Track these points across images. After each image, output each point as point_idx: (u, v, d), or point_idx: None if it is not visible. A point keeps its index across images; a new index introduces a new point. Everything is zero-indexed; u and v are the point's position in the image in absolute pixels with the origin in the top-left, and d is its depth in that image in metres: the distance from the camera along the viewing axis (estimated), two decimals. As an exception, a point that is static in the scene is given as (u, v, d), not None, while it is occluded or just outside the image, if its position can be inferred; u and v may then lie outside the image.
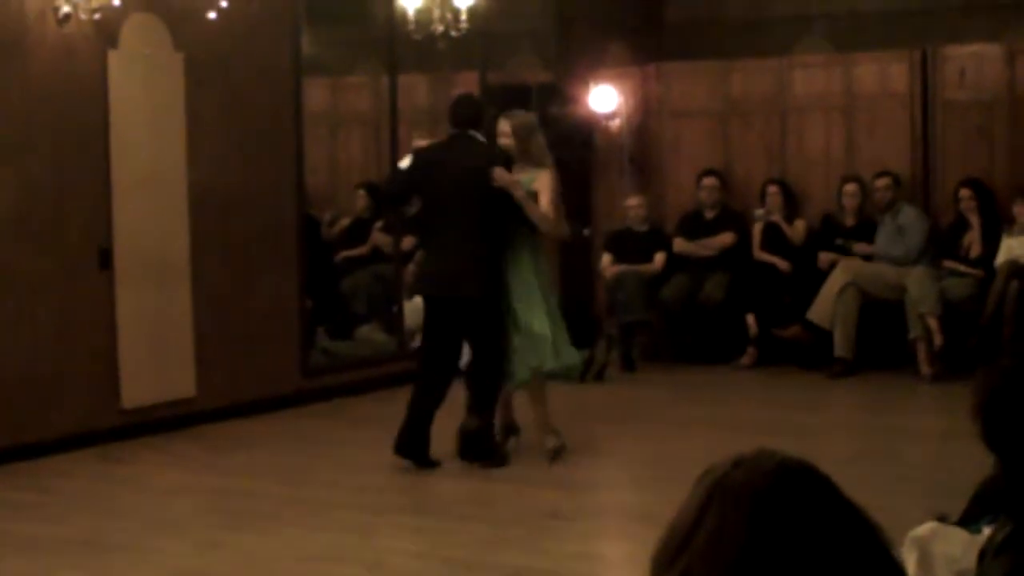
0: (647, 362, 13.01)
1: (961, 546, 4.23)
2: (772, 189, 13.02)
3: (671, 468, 8.53)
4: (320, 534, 7.89)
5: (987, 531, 3.16)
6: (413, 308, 13.02)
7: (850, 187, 12.76)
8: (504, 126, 9.54)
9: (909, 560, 4.28)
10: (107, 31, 10.03)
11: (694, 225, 13.32)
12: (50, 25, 9.73)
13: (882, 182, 12.58)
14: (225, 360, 10.80)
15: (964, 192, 12.29)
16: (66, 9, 9.72)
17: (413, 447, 9.23)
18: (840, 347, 12.26)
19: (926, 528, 4.43)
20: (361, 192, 13.49)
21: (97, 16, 9.85)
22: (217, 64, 10.76)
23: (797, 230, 12.94)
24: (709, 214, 13.31)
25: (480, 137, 9.49)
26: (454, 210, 9.20)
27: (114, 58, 10.11)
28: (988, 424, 2.28)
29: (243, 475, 9.36)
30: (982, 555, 2.58)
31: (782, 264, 12.77)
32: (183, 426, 10.45)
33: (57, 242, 9.81)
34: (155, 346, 10.38)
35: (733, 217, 13.27)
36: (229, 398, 10.81)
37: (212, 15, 10.53)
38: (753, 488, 1.81)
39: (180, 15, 10.45)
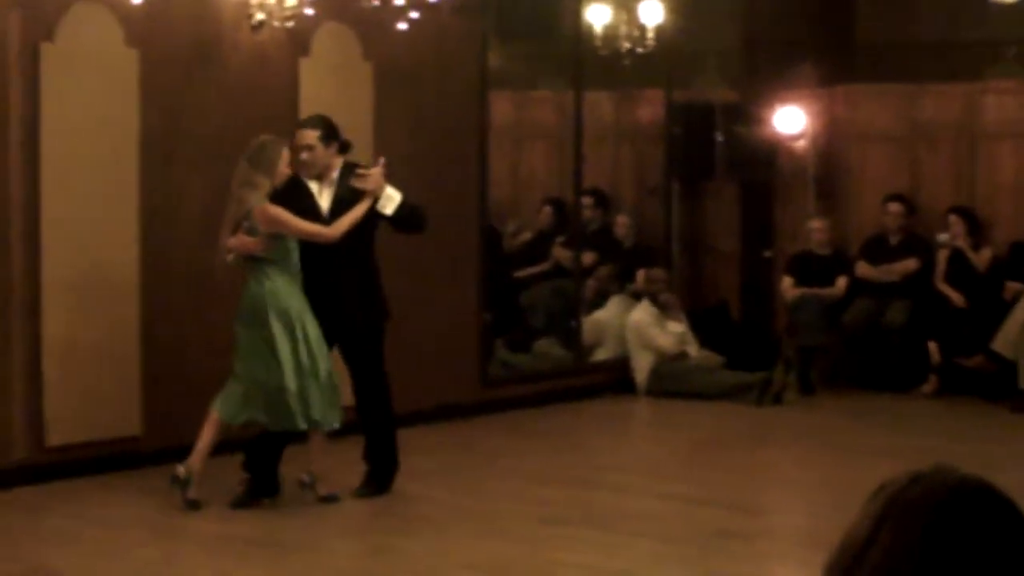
0: (826, 386, 12.85)
1: None
2: (953, 218, 12.77)
3: (845, 494, 8.33)
4: (487, 542, 7.92)
5: None
6: (592, 323, 13.03)
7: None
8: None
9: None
10: (299, 39, 10.18)
11: (877, 250, 13.14)
12: (244, 32, 9.91)
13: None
14: (401, 372, 10.80)
15: None
16: (260, 17, 9.90)
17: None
18: (1025, 379, 12.01)
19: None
20: (547, 208, 13.49)
21: (290, 24, 10.01)
22: (405, 75, 10.86)
23: (983, 258, 12.70)
24: (893, 239, 13.12)
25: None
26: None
27: (305, 66, 10.26)
28: None
29: (411, 481, 9.39)
30: None
31: (957, 298, 12.53)
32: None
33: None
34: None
35: (918, 243, 13.06)
36: (404, 408, 10.77)
37: (402, 26, 10.64)
38: (930, 505, 1.78)
39: (370, 25, 10.56)
